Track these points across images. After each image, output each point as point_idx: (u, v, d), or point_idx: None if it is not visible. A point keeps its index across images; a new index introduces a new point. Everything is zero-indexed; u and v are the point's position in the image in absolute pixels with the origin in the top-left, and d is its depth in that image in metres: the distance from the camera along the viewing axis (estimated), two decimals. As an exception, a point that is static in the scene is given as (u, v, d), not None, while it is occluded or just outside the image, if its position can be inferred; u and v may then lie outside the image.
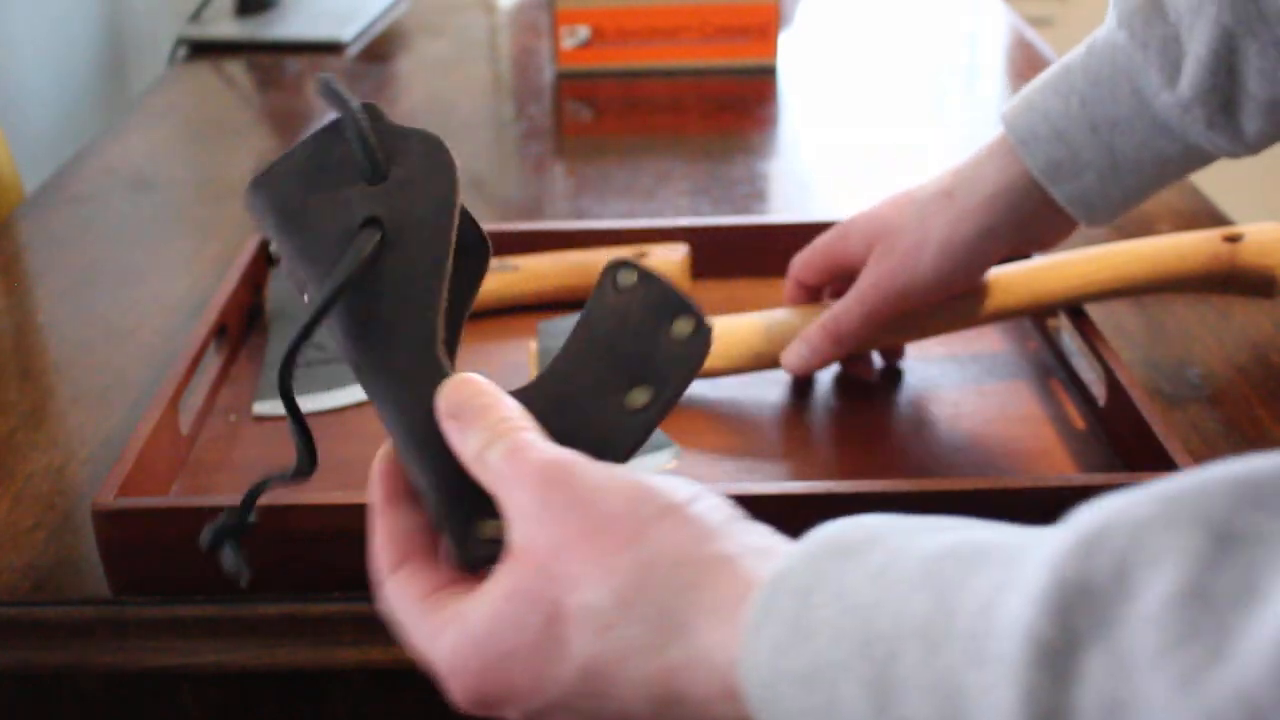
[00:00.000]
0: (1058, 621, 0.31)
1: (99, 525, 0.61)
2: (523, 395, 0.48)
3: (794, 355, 0.75)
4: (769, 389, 0.79)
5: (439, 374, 0.47)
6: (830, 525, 0.40)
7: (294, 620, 0.62)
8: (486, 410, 0.45)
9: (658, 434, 0.71)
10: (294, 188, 0.51)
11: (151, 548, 0.62)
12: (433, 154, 0.51)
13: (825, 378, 0.80)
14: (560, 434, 0.46)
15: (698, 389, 0.78)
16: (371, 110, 0.53)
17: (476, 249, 0.52)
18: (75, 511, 0.69)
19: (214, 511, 0.61)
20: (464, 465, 0.45)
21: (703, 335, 0.47)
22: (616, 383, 0.48)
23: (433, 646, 0.44)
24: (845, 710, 0.35)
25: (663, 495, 0.42)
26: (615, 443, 0.47)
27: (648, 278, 0.49)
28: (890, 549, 0.37)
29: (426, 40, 1.61)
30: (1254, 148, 0.65)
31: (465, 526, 0.45)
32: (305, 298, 0.50)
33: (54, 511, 0.69)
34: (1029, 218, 0.71)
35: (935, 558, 0.36)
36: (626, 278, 0.49)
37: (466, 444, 0.45)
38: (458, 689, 0.43)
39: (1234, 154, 0.66)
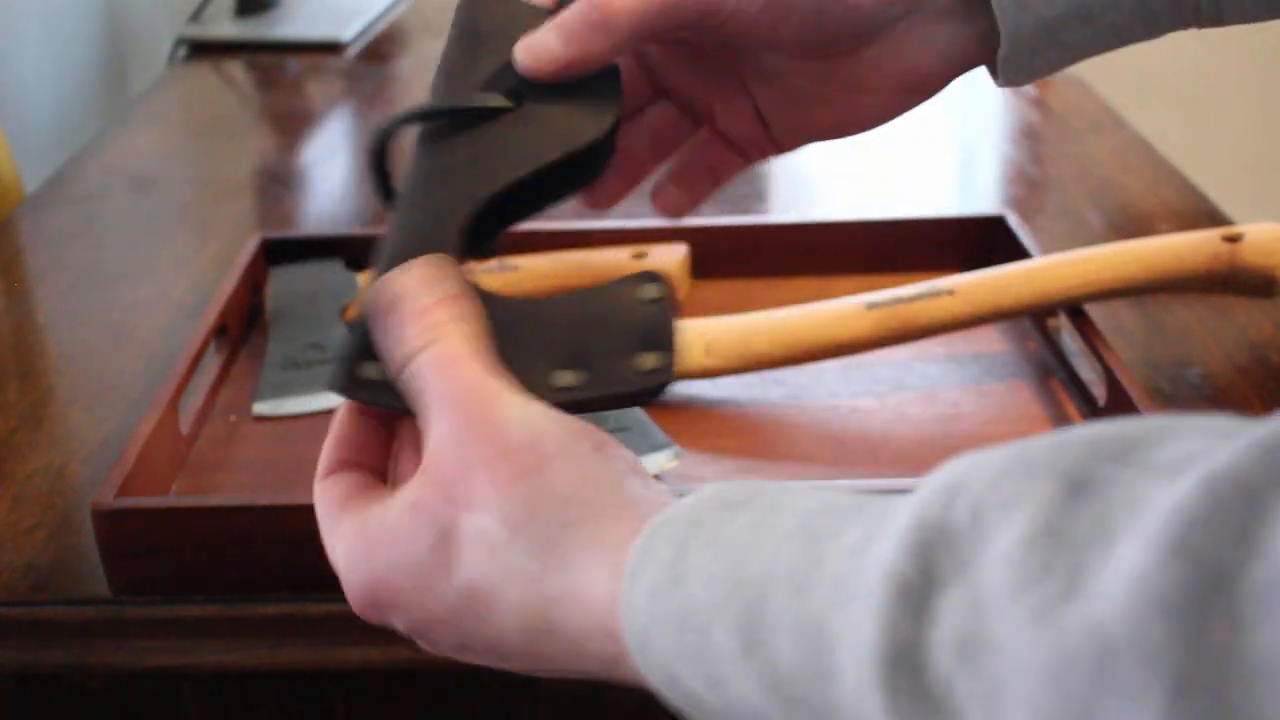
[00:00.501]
0: (917, 561, 0.31)
1: (99, 525, 0.61)
2: (493, 301, 0.48)
3: (536, 45, 0.51)
4: (769, 389, 0.79)
5: (435, 249, 0.48)
6: (714, 484, 0.41)
7: (294, 620, 0.62)
8: (423, 312, 0.45)
9: (658, 434, 0.71)
10: (502, 22, 0.53)
11: (151, 548, 0.62)
12: (608, 95, 0.52)
13: (825, 377, 0.80)
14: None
15: (698, 389, 0.78)
16: None
17: (587, 167, 0.53)
18: (75, 511, 0.69)
19: (214, 512, 0.61)
20: (389, 362, 0.45)
21: (661, 378, 0.48)
22: (556, 356, 0.48)
23: (336, 546, 0.45)
24: (715, 651, 0.36)
25: (569, 436, 0.43)
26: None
27: (666, 302, 0.49)
28: (771, 504, 0.38)
29: (426, 40, 1.61)
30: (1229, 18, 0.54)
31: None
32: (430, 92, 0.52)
33: (54, 511, 0.69)
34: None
35: (812, 513, 0.37)
36: (648, 291, 0.49)
37: (399, 344, 0.45)
38: (350, 590, 0.44)
39: (1215, 17, 0.54)
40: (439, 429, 0.43)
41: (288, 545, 0.61)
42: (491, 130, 0.51)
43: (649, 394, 0.49)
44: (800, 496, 0.38)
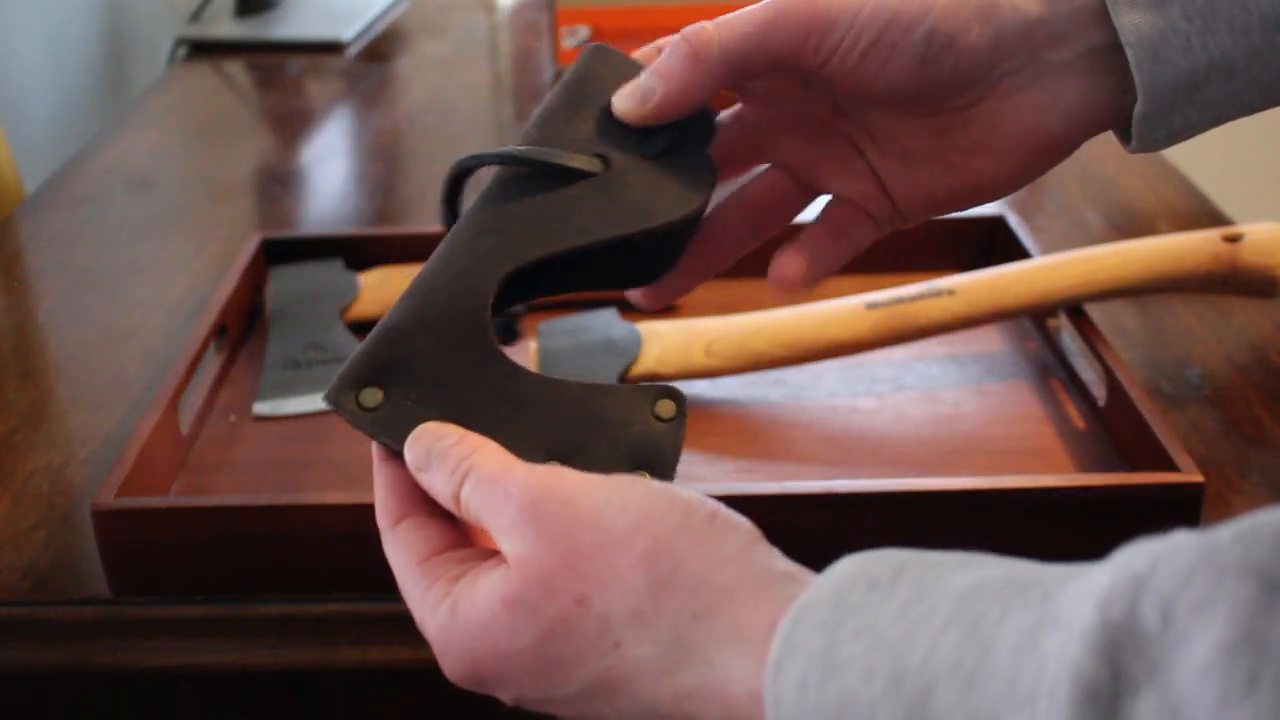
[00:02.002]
0: (1106, 662, 0.30)
1: (99, 525, 0.61)
2: (511, 372, 0.47)
3: (631, 87, 0.51)
4: (769, 389, 0.79)
5: (465, 308, 0.47)
6: (853, 558, 0.38)
7: (294, 620, 0.62)
8: (448, 452, 0.44)
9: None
10: (608, 81, 0.51)
11: (151, 548, 0.62)
12: (698, 180, 0.50)
13: (825, 377, 0.80)
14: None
15: (698, 388, 0.78)
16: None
17: (655, 256, 0.52)
18: (75, 511, 0.69)
19: (214, 512, 0.61)
20: (444, 502, 0.45)
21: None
22: (555, 444, 0.47)
23: (426, 619, 0.44)
24: None
25: (677, 510, 0.41)
26: None
27: (677, 426, 0.47)
28: (917, 584, 0.36)
29: (426, 40, 1.61)
30: None
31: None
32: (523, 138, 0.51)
33: (54, 511, 0.69)
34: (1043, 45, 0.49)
35: (965, 594, 0.35)
36: (664, 409, 0.47)
37: (444, 488, 0.44)
38: (448, 668, 0.43)
39: None
40: (515, 532, 0.41)
41: (288, 545, 0.62)
42: (567, 191, 0.49)
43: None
44: (948, 573, 0.36)
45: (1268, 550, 0.29)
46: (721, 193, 0.54)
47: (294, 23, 1.61)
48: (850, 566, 0.38)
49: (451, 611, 0.42)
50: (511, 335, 0.54)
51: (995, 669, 0.32)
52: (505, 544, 0.42)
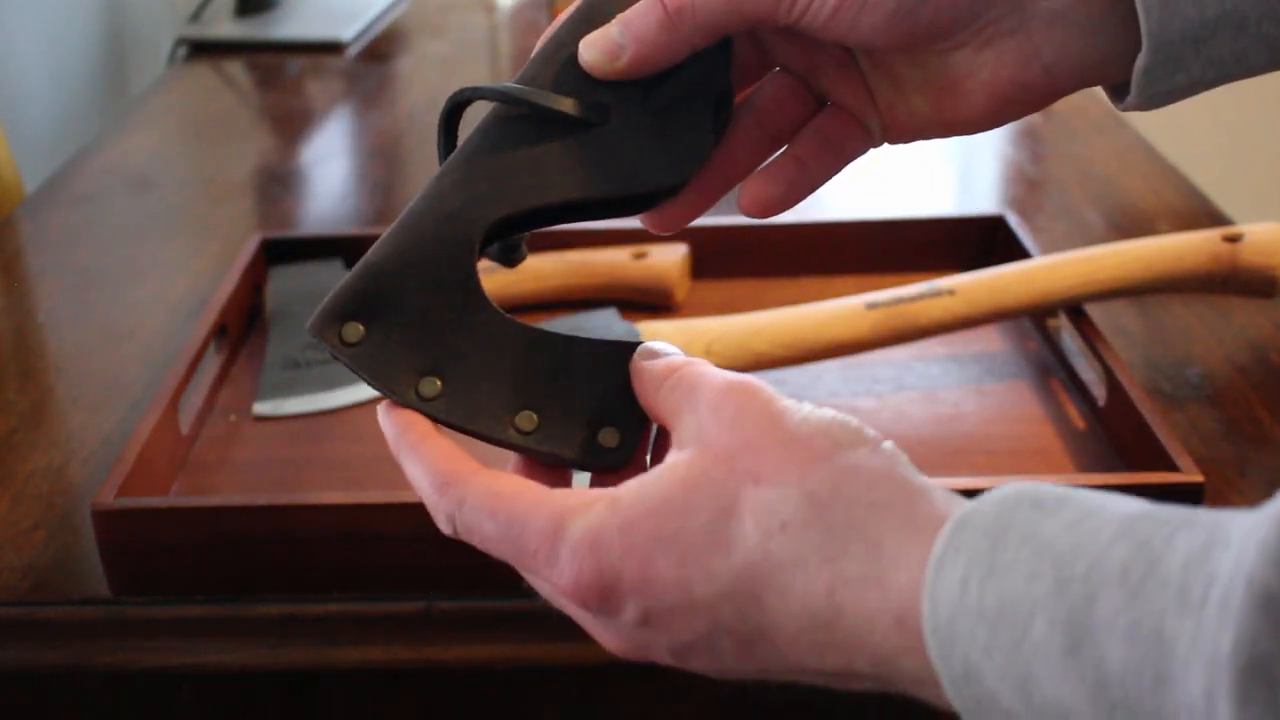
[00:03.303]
0: None
1: (99, 525, 0.61)
2: (494, 317, 0.47)
3: (599, 39, 0.49)
4: (769, 389, 0.79)
5: (453, 242, 0.47)
6: (1014, 484, 0.38)
7: (294, 620, 0.62)
8: (672, 360, 0.45)
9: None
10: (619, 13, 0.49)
11: (151, 548, 0.62)
12: (696, 143, 0.49)
13: (825, 377, 0.80)
14: None
15: (698, 389, 0.78)
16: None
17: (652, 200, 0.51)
18: (75, 511, 0.69)
19: (214, 512, 0.61)
20: (642, 391, 0.45)
21: (609, 460, 0.47)
22: (529, 394, 0.47)
23: (554, 533, 0.41)
24: (1033, 648, 0.34)
25: (855, 427, 0.41)
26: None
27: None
28: (1084, 507, 0.36)
29: (426, 40, 1.61)
30: None
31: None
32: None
33: (54, 511, 0.69)
34: None
35: (1135, 516, 0.35)
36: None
37: (654, 370, 0.45)
38: (576, 572, 0.40)
39: None
40: (712, 416, 0.41)
41: (288, 545, 0.62)
42: (562, 140, 0.48)
43: (594, 469, 0.47)
44: (1115, 502, 0.36)
45: None
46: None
47: (294, 23, 1.61)
48: (1013, 489, 0.38)
49: (611, 504, 0.41)
50: (515, 256, 0.53)
51: (1164, 579, 0.32)
52: (690, 425, 0.42)
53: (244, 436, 0.76)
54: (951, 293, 0.77)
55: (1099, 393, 0.74)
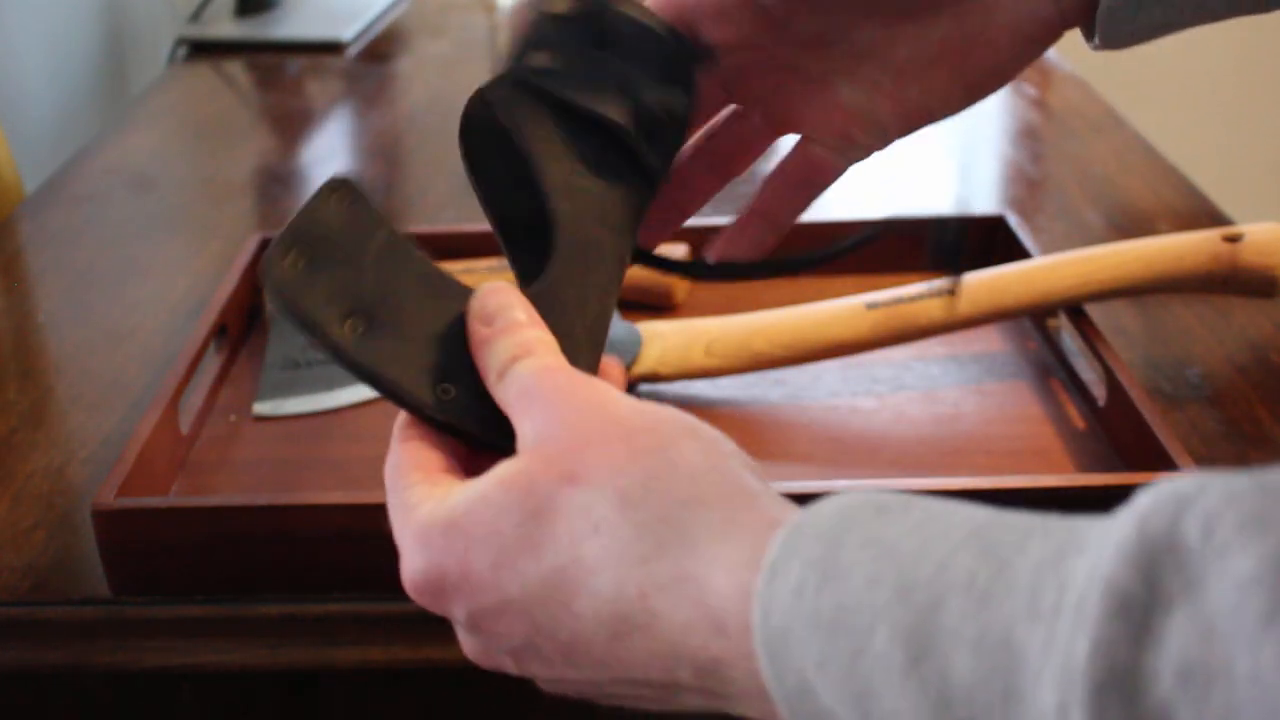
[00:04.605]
0: (1140, 576, 0.28)
1: (99, 525, 0.61)
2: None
3: None
4: (769, 389, 0.79)
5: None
6: (859, 491, 0.37)
7: (294, 620, 0.62)
8: (521, 326, 0.43)
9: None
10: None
11: (151, 548, 0.62)
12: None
13: (825, 377, 0.80)
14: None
15: (698, 389, 0.78)
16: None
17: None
18: (75, 511, 0.69)
19: (214, 512, 0.61)
20: (482, 371, 0.43)
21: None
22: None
23: (403, 519, 0.41)
24: (873, 660, 0.32)
25: (689, 425, 0.40)
26: None
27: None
28: (930, 513, 0.34)
29: (426, 40, 1.61)
30: None
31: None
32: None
33: (54, 511, 0.69)
34: None
35: (983, 524, 0.33)
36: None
37: (494, 353, 0.43)
38: (411, 570, 0.40)
39: None
40: (544, 417, 0.40)
41: (288, 545, 0.62)
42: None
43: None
44: (962, 508, 0.35)
45: None
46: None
47: (294, 23, 1.61)
48: (858, 494, 0.36)
49: (439, 503, 0.40)
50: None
51: (1013, 585, 0.31)
52: (527, 431, 0.40)
53: (244, 436, 0.76)
54: (952, 293, 0.77)
55: (1099, 393, 0.74)
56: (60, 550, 0.66)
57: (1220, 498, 0.28)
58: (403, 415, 0.45)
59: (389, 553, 0.61)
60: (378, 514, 0.61)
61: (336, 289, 0.44)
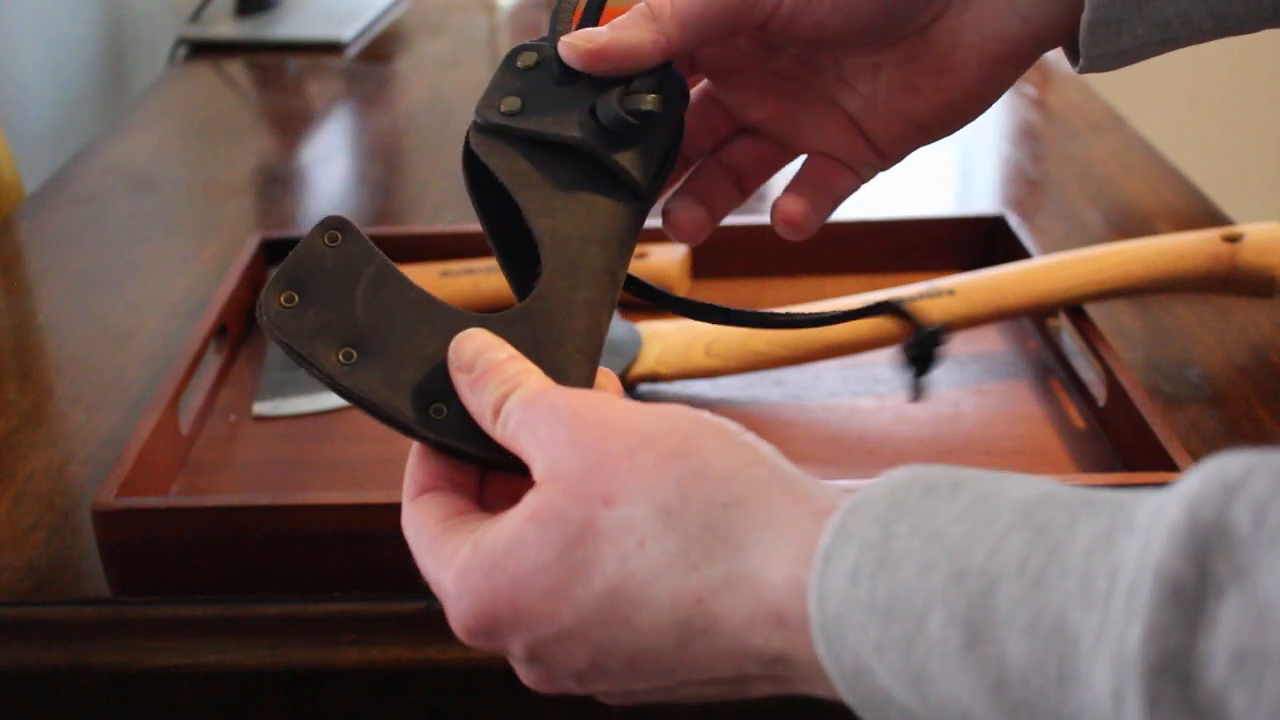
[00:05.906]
0: (1192, 562, 0.28)
1: (99, 525, 0.61)
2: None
3: (579, 33, 0.51)
4: (769, 389, 0.79)
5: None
6: (907, 467, 0.37)
7: (294, 620, 0.62)
8: (501, 365, 0.43)
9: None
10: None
11: (151, 548, 0.62)
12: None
13: (826, 377, 0.80)
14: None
15: (698, 389, 0.78)
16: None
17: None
18: (75, 511, 0.69)
19: (214, 512, 0.61)
20: (477, 418, 0.43)
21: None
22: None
23: (442, 570, 0.41)
24: (928, 644, 0.33)
25: (708, 421, 0.39)
26: None
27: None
28: (978, 491, 0.35)
29: (426, 40, 1.61)
30: None
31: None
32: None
33: (54, 511, 0.69)
34: None
35: (1030, 502, 0.33)
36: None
37: (483, 396, 0.43)
38: (459, 614, 0.40)
39: None
40: (552, 442, 0.40)
41: (288, 545, 0.62)
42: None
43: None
44: (1011, 485, 0.35)
45: None
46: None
47: (294, 23, 1.61)
48: (905, 473, 0.36)
49: (474, 546, 0.40)
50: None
51: (1065, 569, 0.31)
52: (539, 458, 0.40)
53: (244, 436, 0.76)
54: (951, 293, 0.77)
55: (1099, 393, 0.74)
56: (60, 550, 0.66)
57: (1269, 485, 0.29)
58: (407, 474, 0.45)
59: (389, 552, 0.62)
60: (377, 514, 0.61)
61: (328, 322, 0.45)
